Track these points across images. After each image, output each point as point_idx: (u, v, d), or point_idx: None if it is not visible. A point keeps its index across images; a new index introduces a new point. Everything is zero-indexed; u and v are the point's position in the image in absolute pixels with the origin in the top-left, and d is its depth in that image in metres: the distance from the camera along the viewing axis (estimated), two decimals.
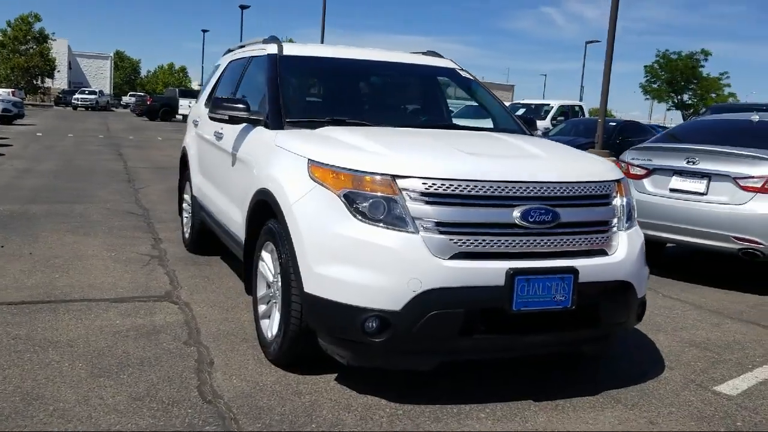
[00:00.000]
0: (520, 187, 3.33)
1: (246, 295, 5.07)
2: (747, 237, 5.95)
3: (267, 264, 3.93)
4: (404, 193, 3.22)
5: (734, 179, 6.08)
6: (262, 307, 4.02)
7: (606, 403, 3.56)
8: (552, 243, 3.36)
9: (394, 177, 3.25)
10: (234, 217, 4.56)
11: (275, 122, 4.20)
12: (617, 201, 3.66)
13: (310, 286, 3.34)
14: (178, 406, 3.25)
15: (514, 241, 3.28)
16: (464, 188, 3.25)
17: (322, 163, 3.45)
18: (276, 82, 4.49)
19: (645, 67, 60.58)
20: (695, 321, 5.25)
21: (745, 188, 6.03)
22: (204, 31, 62.79)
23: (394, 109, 5.04)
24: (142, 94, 61.55)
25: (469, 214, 3.25)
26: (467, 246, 3.21)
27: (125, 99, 67.34)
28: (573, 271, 3.31)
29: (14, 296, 4.79)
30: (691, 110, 60.84)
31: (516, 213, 3.28)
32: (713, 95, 59.55)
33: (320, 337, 3.46)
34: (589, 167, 3.72)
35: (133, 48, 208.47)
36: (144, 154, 17.36)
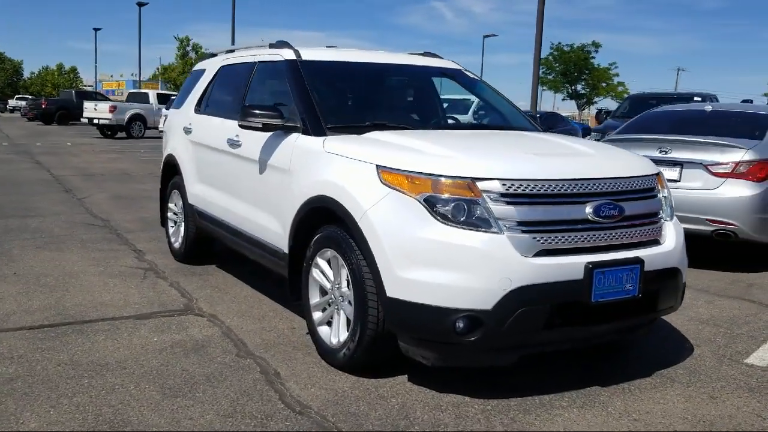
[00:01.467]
0: (590, 184, 3.50)
1: (271, 303, 5.05)
2: (720, 219, 6.41)
3: (324, 271, 3.92)
4: (485, 195, 3.32)
5: (705, 166, 6.53)
6: (317, 314, 4.01)
7: (664, 383, 3.80)
8: (619, 236, 3.54)
9: (475, 179, 3.34)
10: (268, 226, 4.50)
11: (316, 129, 4.18)
12: (661, 193, 3.90)
13: (393, 291, 3.37)
14: (272, 419, 3.22)
15: (588, 235, 3.44)
16: (542, 188, 3.38)
17: (396, 169, 3.48)
18: (305, 88, 4.46)
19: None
20: (690, 300, 5.61)
21: (716, 174, 6.49)
22: (96, 29, 60.12)
23: (424, 112, 5.12)
24: (31, 96, 58.20)
25: (548, 212, 3.39)
26: (548, 243, 3.34)
27: (12, 102, 63.25)
28: (640, 261, 3.51)
29: (28, 320, 4.54)
30: (584, 100, 63.82)
31: (588, 209, 3.45)
32: (604, 85, 62.56)
33: (402, 340, 3.51)
34: (635, 162, 3.94)
35: (13, 49, 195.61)
36: (63, 161, 16.50)
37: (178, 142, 6.16)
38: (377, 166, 3.56)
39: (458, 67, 5.43)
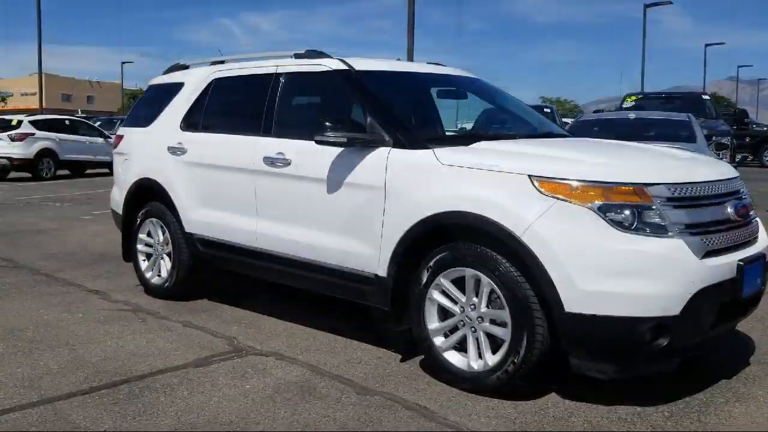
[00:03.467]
0: (724, 185, 3.65)
1: (321, 334, 4.70)
2: None
3: (449, 292, 3.68)
4: (655, 199, 3.32)
5: None
6: (439, 339, 3.76)
7: (762, 371, 4.01)
8: (748, 232, 3.72)
9: (645, 185, 3.32)
10: (348, 249, 4.11)
11: (414, 142, 3.92)
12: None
13: (573, 305, 3.25)
14: None
15: (732, 234, 3.57)
16: (699, 190, 3.45)
17: (560, 178, 3.36)
18: (379, 99, 4.18)
19: None
20: None
21: None
22: None
23: (499, 121, 4.96)
24: None
25: (707, 213, 3.47)
26: (711, 244, 3.41)
27: None
28: (763, 255, 3.71)
29: (68, 384, 3.75)
30: None
31: (729, 209, 3.58)
32: None
33: (576, 356, 3.37)
34: (726, 165, 4.17)
35: None
36: None
37: (162, 164, 5.43)
38: (530, 176, 3.42)
39: (476, 76, 5.38)
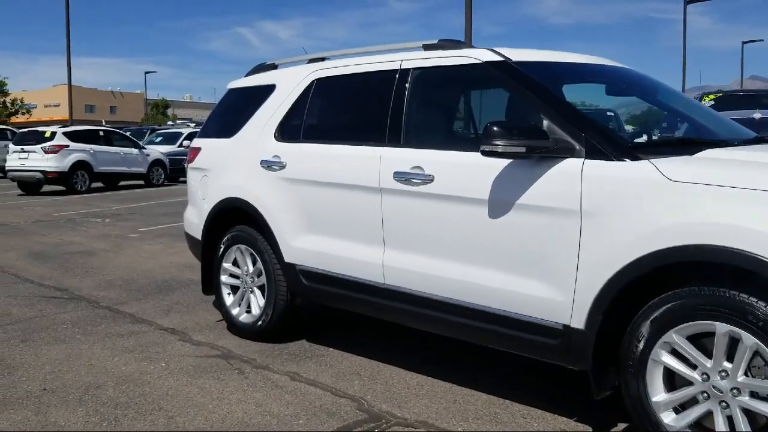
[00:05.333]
0: None
1: (478, 393, 3.71)
2: None
3: (688, 353, 2.74)
4: None
5: None
6: (669, 416, 2.82)
7: None
8: None
9: None
10: (522, 291, 3.19)
11: (618, 150, 2.99)
12: None
13: None
14: None
15: None
16: None
17: None
18: (558, 96, 3.26)
19: None
20: None
21: None
22: None
23: (695, 122, 3.99)
24: None
25: None
26: None
27: None
28: None
29: None
30: None
31: None
32: None
33: None
34: None
35: None
36: None
37: (253, 181, 4.54)
38: None
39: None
